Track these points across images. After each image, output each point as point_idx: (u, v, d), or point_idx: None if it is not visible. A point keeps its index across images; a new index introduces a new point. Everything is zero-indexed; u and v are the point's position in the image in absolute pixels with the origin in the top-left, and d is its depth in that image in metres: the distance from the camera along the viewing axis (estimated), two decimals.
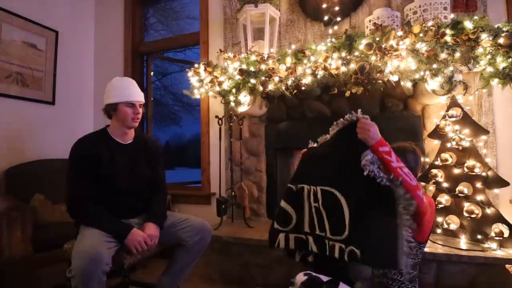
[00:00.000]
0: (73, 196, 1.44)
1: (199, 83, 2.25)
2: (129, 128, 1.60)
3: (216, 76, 2.15)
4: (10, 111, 2.46)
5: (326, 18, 2.28)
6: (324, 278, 1.04)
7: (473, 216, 1.68)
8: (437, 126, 1.90)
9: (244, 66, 2.03)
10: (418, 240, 1.22)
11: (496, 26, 1.60)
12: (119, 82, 1.57)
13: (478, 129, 1.80)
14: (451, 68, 1.62)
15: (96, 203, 1.45)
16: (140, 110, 1.58)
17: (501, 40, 1.55)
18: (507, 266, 1.51)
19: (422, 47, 1.63)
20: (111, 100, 1.53)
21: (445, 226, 1.79)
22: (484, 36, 1.57)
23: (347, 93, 1.85)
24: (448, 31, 1.61)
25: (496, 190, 1.82)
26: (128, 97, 1.53)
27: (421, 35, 1.65)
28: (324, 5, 2.27)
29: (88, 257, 1.21)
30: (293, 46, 2.14)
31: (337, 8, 2.24)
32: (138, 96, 1.58)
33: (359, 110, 1.22)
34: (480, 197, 1.71)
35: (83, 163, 1.45)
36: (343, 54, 1.76)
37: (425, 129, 2.08)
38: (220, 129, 2.35)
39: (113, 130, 1.58)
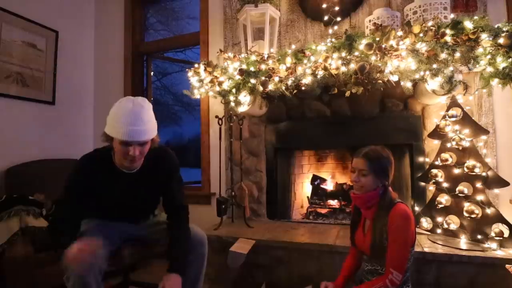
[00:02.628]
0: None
1: (199, 83, 2.25)
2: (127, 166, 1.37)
3: (216, 76, 2.15)
4: (10, 111, 2.46)
5: (326, 18, 2.27)
6: None
7: (473, 216, 1.68)
8: (437, 126, 1.89)
9: (244, 66, 2.02)
10: None
11: (496, 26, 1.60)
12: (122, 110, 1.25)
13: (478, 129, 1.80)
14: (451, 68, 1.62)
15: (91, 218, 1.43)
16: (137, 151, 1.27)
17: (501, 40, 1.55)
18: (507, 266, 1.51)
19: (422, 47, 1.63)
20: (107, 129, 1.30)
21: (445, 226, 1.79)
22: (484, 36, 1.57)
23: (347, 93, 1.84)
24: (448, 31, 1.60)
25: (496, 190, 1.81)
26: (121, 136, 1.23)
27: (421, 35, 1.64)
28: (324, 5, 2.27)
29: (86, 257, 1.21)
30: (293, 46, 2.14)
31: (337, 8, 2.24)
32: (137, 134, 1.24)
33: None
34: (480, 197, 1.71)
35: (80, 188, 1.35)
36: (343, 54, 1.76)
37: (425, 129, 2.08)
38: (220, 129, 2.35)
39: (116, 157, 1.39)
